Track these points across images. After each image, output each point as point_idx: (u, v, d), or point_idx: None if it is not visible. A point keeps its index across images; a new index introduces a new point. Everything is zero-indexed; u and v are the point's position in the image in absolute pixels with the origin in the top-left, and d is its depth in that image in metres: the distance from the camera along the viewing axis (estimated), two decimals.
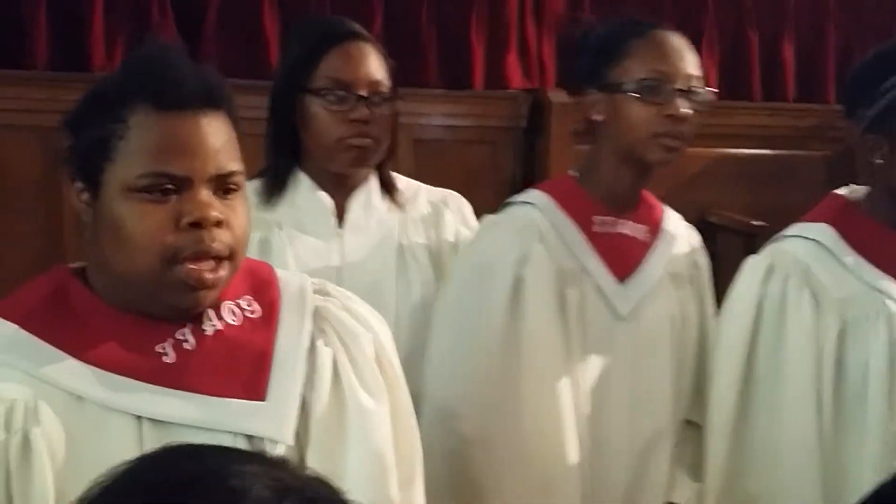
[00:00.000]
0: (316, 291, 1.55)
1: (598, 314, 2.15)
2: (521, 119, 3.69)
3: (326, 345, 1.51)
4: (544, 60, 3.77)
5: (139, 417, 1.40)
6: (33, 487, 1.39)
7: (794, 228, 2.14)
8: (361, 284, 1.99)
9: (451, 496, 2.09)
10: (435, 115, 3.60)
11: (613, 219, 2.19)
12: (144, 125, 1.39)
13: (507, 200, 2.27)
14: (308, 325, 1.51)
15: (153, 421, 1.39)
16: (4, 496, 1.39)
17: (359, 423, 1.49)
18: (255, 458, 0.99)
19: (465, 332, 2.14)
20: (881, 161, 2.04)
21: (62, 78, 3.33)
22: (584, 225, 2.18)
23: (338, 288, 1.61)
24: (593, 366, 2.15)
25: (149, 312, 1.44)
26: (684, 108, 2.09)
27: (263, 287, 1.52)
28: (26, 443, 1.39)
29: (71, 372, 1.43)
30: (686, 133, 2.12)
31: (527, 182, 3.66)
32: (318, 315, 1.52)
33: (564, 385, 2.12)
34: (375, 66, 2.19)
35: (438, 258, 2.30)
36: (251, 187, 1.92)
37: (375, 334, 1.56)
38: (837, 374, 2.00)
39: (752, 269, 2.11)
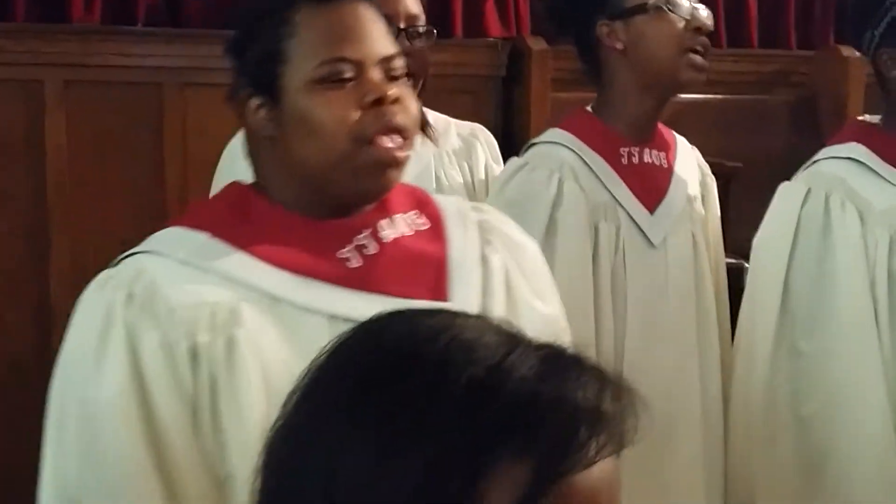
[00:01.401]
0: (472, 209, 1.62)
1: (633, 245, 2.18)
2: (500, 67, 3.71)
3: (495, 253, 1.55)
4: (520, 8, 3.79)
5: (332, 318, 1.42)
6: (241, 388, 1.41)
7: (824, 152, 2.17)
8: None
9: None
10: None
11: (639, 149, 2.22)
12: (311, 20, 1.46)
13: (532, 142, 2.28)
14: (475, 236, 1.56)
15: (346, 321, 1.38)
16: (210, 398, 1.42)
17: (532, 328, 1.51)
18: (473, 316, 1.03)
19: None
20: None
21: (42, 30, 3.28)
22: (612, 158, 2.20)
23: (486, 206, 1.66)
24: (631, 297, 2.18)
25: (332, 214, 1.49)
26: (709, 21, 2.13)
27: (425, 203, 1.58)
28: (231, 344, 1.42)
29: (264, 275, 1.46)
30: (709, 50, 2.16)
31: (508, 131, 3.70)
32: (482, 227, 1.57)
33: (602, 320, 2.15)
34: (412, 1, 2.20)
35: (472, 191, 2.32)
36: None
37: (534, 245, 1.63)
38: (891, 286, 2.02)
39: (787, 192, 2.13)
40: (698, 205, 2.30)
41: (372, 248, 1.49)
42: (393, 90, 1.45)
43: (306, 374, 1.02)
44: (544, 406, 0.95)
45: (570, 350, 1.00)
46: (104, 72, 3.30)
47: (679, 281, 2.22)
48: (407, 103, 1.47)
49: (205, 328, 1.42)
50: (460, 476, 0.94)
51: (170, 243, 1.50)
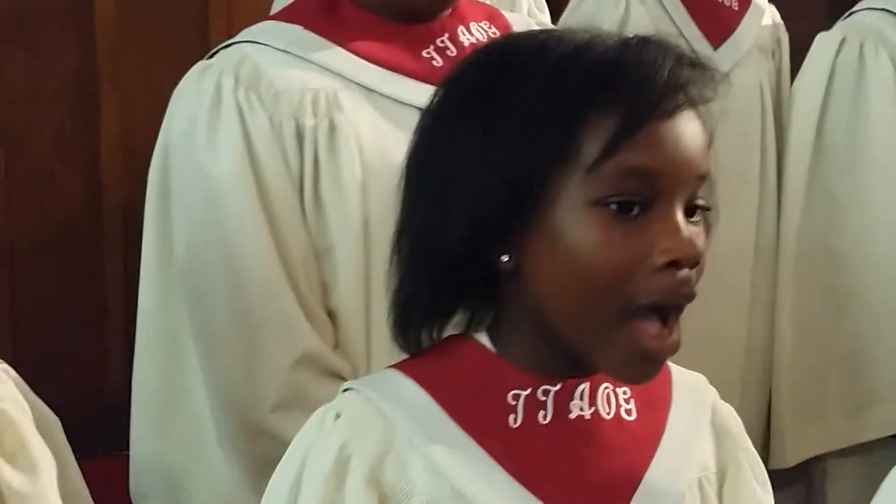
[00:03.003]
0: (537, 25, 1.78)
1: None
2: None
3: None
4: None
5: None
6: (341, 168, 1.54)
7: (861, 3, 2.19)
8: None
9: None
10: None
11: None
12: None
13: None
14: None
15: None
16: (312, 177, 1.54)
17: None
18: None
19: None
20: None
21: None
22: None
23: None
24: None
25: (411, 20, 1.58)
26: None
27: (495, 17, 1.66)
28: (333, 127, 1.54)
29: (358, 67, 1.56)
30: None
31: None
32: None
33: None
34: None
35: None
36: None
37: None
38: None
39: (823, 41, 2.18)
40: (769, 57, 2.34)
41: (452, 51, 1.57)
42: None
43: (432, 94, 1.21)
44: (627, 65, 1.11)
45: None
46: None
47: (743, 122, 2.24)
48: None
49: (308, 111, 1.53)
50: (556, 131, 1.11)
51: (268, 34, 1.59)
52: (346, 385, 1.25)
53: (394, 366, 1.24)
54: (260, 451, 1.52)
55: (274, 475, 1.23)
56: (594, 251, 1.11)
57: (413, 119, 1.46)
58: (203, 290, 1.57)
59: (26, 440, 1.31)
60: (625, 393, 1.19)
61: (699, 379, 1.28)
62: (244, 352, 1.55)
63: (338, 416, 1.20)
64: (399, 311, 1.22)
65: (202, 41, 3.39)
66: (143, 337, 1.67)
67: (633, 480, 1.18)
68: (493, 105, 1.14)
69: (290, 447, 1.23)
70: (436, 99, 1.21)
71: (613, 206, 1.10)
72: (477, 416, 1.18)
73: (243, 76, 1.54)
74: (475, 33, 1.61)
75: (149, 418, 1.68)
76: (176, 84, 1.63)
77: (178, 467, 1.65)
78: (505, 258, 1.15)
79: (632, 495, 1.18)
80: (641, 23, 2.18)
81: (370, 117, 1.54)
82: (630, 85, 1.10)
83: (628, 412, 1.19)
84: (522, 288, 1.16)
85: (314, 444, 1.19)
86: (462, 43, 1.59)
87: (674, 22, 2.21)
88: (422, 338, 1.23)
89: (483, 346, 1.21)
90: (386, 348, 1.28)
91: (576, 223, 1.12)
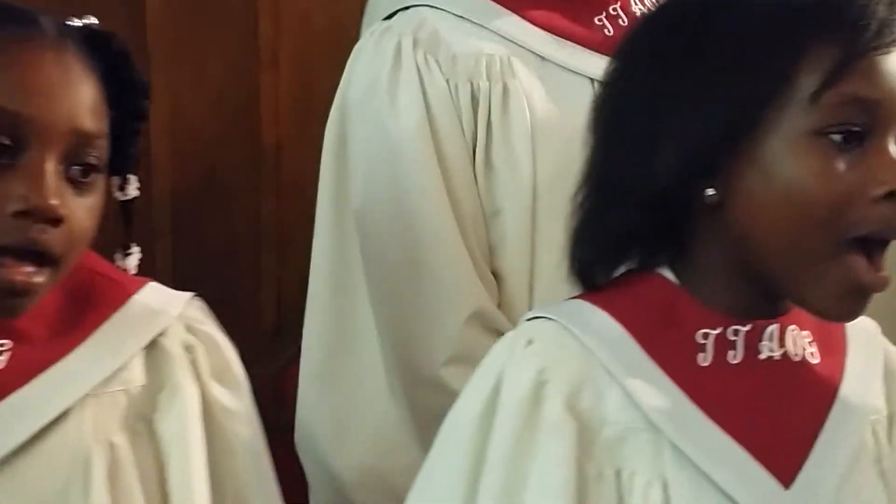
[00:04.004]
0: None
1: None
2: None
3: None
4: None
5: (594, 82, 1.57)
6: (513, 133, 1.60)
7: None
8: None
9: None
10: None
11: None
12: None
13: None
14: None
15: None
16: (485, 140, 1.60)
17: None
18: None
19: None
20: None
21: None
22: None
23: None
24: None
25: None
26: None
27: None
28: (506, 92, 1.60)
29: (533, 35, 1.61)
30: None
31: None
32: None
33: None
34: None
35: None
36: None
37: None
38: None
39: None
40: None
41: (624, 20, 1.62)
42: None
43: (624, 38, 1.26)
44: None
45: None
46: None
47: None
48: None
49: (483, 76, 1.59)
50: (775, 60, 1.14)
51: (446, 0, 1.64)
52: (532, 313, 1.28)
53: (579, 297, 1.27)
54: (429, 403, 1.58)
55: (461, 401, 1.26)
56: (813, 182, 1.14)
57: (583, 88, 1.53)
58: (379, 245, 1.63)
59: (231, 361, 1.40)
60: (808, 336, 1.24)
61: (871, 324, 1.32)
62: (420, 305, 1.61)
63: (529, 342, 1.23)
64: (582, 247, 1.27)
65: (252, 32, 3.45)
66: (316, 282, 1.73)
67: (817, 422, 1.23)
68: (704, 39, 1.17)
69: (477, 374, 1.26)
70: (631, 39, 1.26)
71: (836, 137, 1.14)
72: (666, 351, 1.21)
73: (422, 39, 1.61)
74: (647, 1, 1.65)
75: (317, 372, 1.74)
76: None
77: (343, 408, 1.71)
78: (710, 192, 1.18)
79: (816, 437, 1.22)
80: None
81: (542, 84, 1.59)
82: (850, 17, 1.14)
83: (813, 355, 1.24)
84: (724, 223, 1.18)
85: (507, 369, 1.22)
86: (634, 12, 1.63)
87: None
88: (599, 273, 1.27)
89: (669, 282, 1.24)
90: None
91: (793, 154, 1.14)
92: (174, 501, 1.34)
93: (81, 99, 1.24)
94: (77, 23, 1.32)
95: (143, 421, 1.35)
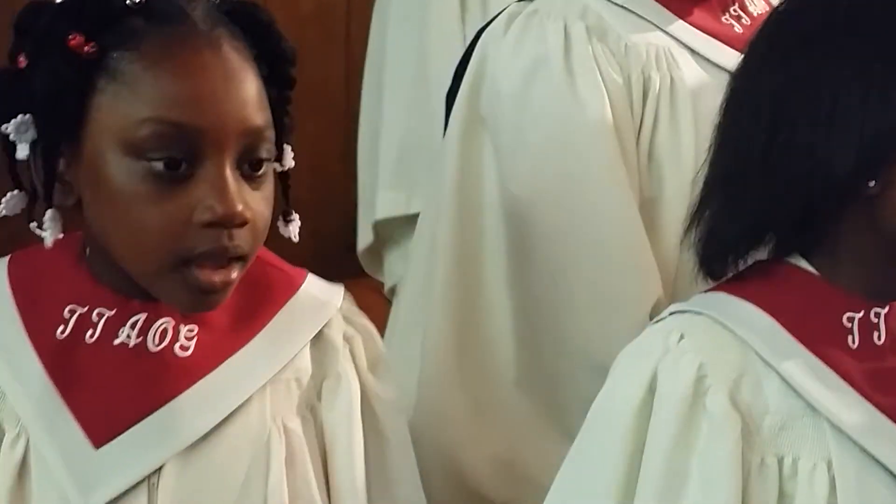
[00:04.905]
0: None
1: None
2: None
3: None
4: None
5: None
6: (679, 124, 1.63)
7: None
8: None
9: None
10: None
11: None
12: None
13: None
14: None
15: None
16: (651, 130, 1.64)
17: None
18: None
19: None
20: None
21: None
22: None
23: None
24: None
25: None
26: None
27: None
28: (673, 83, 1.66)
29: (686, 29, 1.66)
30: None
31: None
32: None
33: None
34: None
35: None
36: None
37: None
38: None
39: None
40: None
41: (746, 19, 1.68)
42: None
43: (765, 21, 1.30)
44: None
45: None
46: None
47: None
48: None
49: (654, 67, 1.63)
50: None
51: None
52: (675, 307, 1.32)
53: (715, 289, 1.31)
54: (594, 392, 1.61)
55: (611, 392, 1.31)
56: None
57: (722, 81, 1.60)
58: (550, 233, 1.64)
59: (382, 352, 1.44)
60: None
61: None
62: (602, 295, 1.63)
63: (682, 337, 1.26)
64: (712, 239, 1.31)
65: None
66: (440, 266, 1.72)
67: None
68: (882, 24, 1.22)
69: (626, 367, 1.30)
70: (776, 30, 1.29)
71: None
72: (816, 336, 1.26)
73: (592, 27, 1.62)
74: (760, 1, 1.71)
75: (442, 359, 1.74)
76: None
77: (475, 397, 1.73)
78: (872, 183, 1.24)
79: None
80: None
81: (698, 77, 1.64)
82: None
83: None
84: (879, 213, 1.24)
85: (662, 364, 1.26)
86: (751, 12, 1.69)
87: None
88: (729, 265, 1.31)
89: (806, 270, 1.30)
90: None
91: None
92: (338, 487, 1.38)
93: (247, 95, 1.22)
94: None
95: (309, 408, 1.39)
